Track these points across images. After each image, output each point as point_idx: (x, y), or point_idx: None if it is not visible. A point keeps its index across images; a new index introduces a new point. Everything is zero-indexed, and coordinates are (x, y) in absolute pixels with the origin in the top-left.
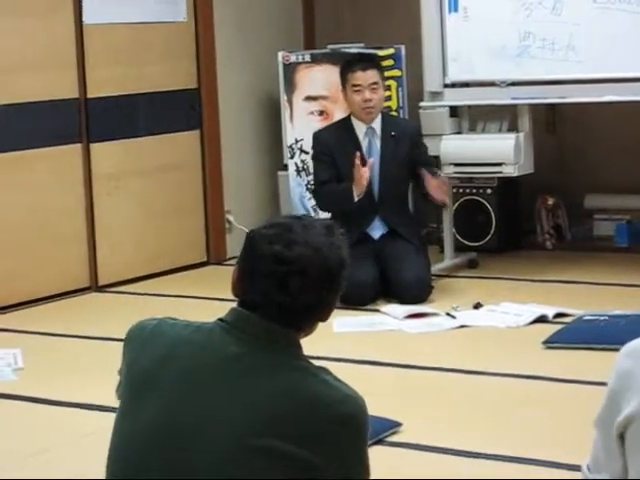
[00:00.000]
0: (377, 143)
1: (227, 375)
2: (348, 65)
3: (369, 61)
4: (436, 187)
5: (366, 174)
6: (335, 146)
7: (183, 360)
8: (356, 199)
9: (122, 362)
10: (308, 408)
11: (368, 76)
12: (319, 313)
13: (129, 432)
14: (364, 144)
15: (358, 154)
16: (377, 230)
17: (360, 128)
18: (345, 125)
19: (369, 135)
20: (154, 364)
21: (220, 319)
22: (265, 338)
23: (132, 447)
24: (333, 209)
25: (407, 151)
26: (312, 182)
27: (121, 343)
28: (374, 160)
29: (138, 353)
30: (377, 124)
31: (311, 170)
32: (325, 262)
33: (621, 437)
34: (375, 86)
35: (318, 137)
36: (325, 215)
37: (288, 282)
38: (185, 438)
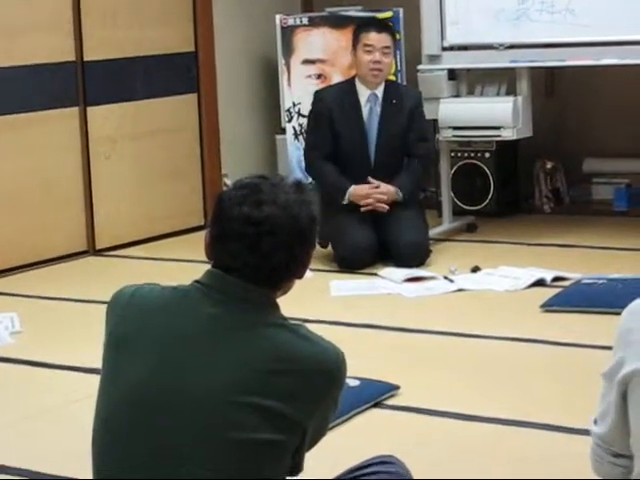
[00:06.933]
0: (377, 109)
1: (205, 335)
2: (363, 25)
3: (385, 25)
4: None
5: (375, 196)
6: (335, 107)
7: (161, 323)
8: (345, 202)
9: (105, 331)
10: (288, 363)
11: (382, 38)
12: (293, 271)
13: (113, 397)
14: (365, 110)
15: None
16: None
17: (363, 93)
18: (348, 87)
19: (371, 101)
20: (133, 330)
21: (196, 281)
22: (241, 298)
23: (116, 411)
24: (320, 187)
25: (406, 120)
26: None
27: None
28: (373, 125)
29: (117, 321)
30: (380, 91)
31: None
32: (295, 220)
33: (624, 394)
34: (387, 50)
35: (320, 95)
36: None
37: (259, 243)
38: (167, 399)
